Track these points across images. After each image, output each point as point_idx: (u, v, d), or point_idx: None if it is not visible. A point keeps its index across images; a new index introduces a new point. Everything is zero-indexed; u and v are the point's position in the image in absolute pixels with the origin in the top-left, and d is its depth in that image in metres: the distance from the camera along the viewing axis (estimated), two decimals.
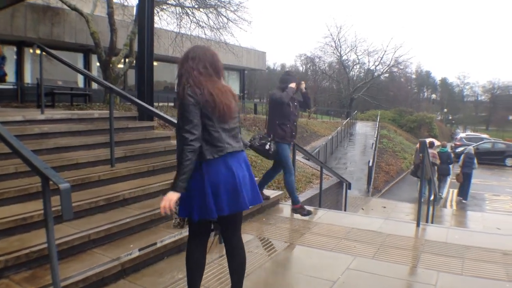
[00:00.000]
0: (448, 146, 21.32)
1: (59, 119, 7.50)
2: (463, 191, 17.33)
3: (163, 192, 6.04)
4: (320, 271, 4.64)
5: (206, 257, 3.48)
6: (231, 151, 3.25)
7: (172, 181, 3.16)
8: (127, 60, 17.02)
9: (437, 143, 18.65)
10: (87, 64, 22.56)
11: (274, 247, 5.35)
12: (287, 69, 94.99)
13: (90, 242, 4.48)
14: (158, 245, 4.71)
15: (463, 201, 17.11)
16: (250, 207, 3.37)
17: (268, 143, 6.35)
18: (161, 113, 6.49)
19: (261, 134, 6.55)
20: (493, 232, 7.14)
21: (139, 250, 4.52)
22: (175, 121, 4.18)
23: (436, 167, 15.90)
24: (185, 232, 4.77)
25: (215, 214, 3.18)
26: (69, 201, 2.94)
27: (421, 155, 6.90)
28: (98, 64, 17.01)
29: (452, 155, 18.77)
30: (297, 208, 6.73)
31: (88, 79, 21.30)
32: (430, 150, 14.73)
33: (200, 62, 3.24)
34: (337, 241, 5.65)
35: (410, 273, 4.70)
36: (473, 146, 22.83)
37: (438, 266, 4.82)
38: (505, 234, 6.42)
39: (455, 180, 18.52)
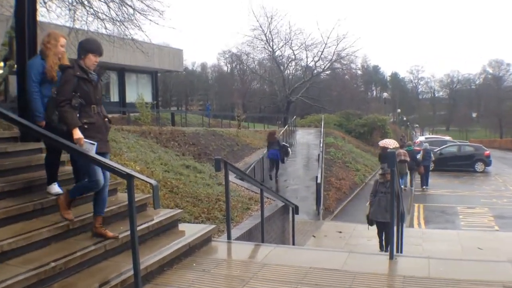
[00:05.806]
0: None
1: None
2: (425, 180, 24.41)
3: (55, 238, 5.42)
4: None
5: None
6: None
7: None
8: (7, 63, 16.04)
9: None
10: None
11: None
12: (209, 69, 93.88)
13: None
14: None
15: (425, 187, 24.22)
16: None
17: None
18: (47, 132, 5.73)
19: None
20: (483, 259, 6.92)
21: None
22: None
23: (406, 164, 21.54)
24: None
25: None
26: None
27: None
28: None
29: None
30: None
31: None
32: (401, 150, 21.74)
33: None
34: None
35: None
36: (437, 151, 28.94)
37: None
38: (497, 260, 6.20)
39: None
